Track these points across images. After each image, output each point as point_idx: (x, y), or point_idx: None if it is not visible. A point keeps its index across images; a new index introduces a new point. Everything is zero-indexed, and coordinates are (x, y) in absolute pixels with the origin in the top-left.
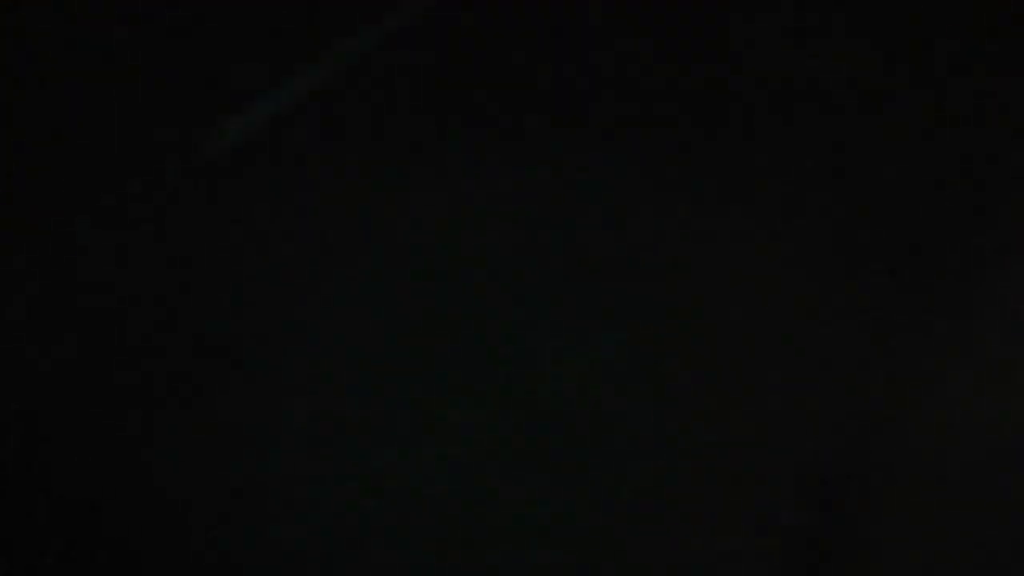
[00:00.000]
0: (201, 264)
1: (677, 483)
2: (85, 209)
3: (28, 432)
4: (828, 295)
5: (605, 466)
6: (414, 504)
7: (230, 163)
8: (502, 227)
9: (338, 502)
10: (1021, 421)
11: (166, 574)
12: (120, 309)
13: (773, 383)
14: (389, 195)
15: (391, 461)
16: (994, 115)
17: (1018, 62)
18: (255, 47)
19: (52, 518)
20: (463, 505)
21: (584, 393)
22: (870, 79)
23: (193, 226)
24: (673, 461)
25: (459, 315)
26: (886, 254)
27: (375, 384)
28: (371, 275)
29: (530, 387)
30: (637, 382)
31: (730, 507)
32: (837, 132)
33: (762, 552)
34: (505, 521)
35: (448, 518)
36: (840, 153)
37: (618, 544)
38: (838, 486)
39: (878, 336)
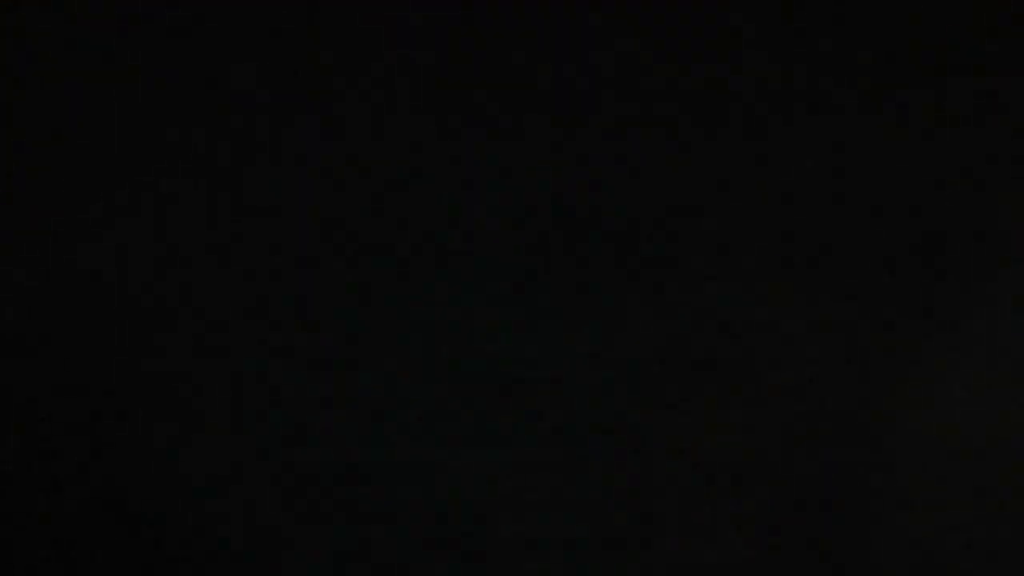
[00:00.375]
0: (201, 264)
1: (678, 484)
2: (85, 209)
3: (28, 432)
4: (828, 295)
5: (606, 467)
6: (414, 504)
7: (230, 163)
8: (502, 227)
9: (338, 501)
10: (1021, 421)
11: (166, 573)
12: (120, 309)
13: (773, 383)
14: (388, 195)
15: (390, 461)
16: (994, 115)
17: (1018, 62)
18: (255, 47)
19: (52, 518)
20: (463, 504)
21: (584, 393)
22: (870, 79)
23: (193, 226)
24: (674, 462)
25: (459, 315)
26: (886, 254)
27: (375, 384)
28: (371, 275)
29: (530, 388)
30: (638, 382)
31: (731, 508)
32: (837, 132)
33: (763, 552)
34: (505, 520)
35: (448, 517)
36: (840, 153)
37: (618, 544)
38: (838, 485)
39: (878, 336)
